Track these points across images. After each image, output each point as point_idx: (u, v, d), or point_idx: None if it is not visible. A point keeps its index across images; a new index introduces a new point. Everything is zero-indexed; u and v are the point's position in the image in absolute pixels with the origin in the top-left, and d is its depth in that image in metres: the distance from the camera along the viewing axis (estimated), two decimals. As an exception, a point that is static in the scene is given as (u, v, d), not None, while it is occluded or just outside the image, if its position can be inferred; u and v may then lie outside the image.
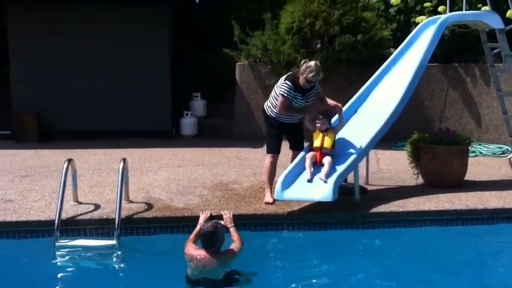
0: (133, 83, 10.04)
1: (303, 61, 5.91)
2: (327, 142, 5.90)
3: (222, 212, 5.30)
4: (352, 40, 9.16)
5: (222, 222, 4.87)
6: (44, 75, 9.95)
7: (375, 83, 6.81)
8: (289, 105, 5.91)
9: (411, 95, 6.54)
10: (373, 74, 6.93)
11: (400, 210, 5.87)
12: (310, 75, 5.76)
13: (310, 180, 5.76)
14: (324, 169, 5.77)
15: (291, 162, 6.13)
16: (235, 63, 10.26)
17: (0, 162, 8.13)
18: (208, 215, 5.12)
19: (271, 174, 6.09)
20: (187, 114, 10.45)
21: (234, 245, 4.65)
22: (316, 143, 5.94)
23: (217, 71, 10.81)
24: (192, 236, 4.78)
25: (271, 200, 5.92)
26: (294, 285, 4.74)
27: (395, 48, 7.24)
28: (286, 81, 5.90)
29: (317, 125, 5.94)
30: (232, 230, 4.90)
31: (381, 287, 4.77)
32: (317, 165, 5.87)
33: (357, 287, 4.75)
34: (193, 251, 4.55)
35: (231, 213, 5.23)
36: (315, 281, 4.83)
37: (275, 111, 6.00)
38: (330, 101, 6.12)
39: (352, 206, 5.97)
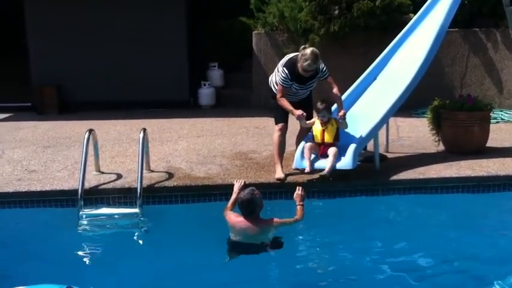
0: (151, 54, 10.03)
1: (301, 47, 5.60)
2: (328, 137, 5.70)
3: (297, 187, 5.00)
4: (371, 5, 9.02)
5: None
6: (63, 47, 9.96)
7: (394, 49, 6.72)
8: (286, 95, 5.66)
9: (431, 61, 6.46)
10: (392, 40, 6.83)
11: (421, 177, 5.85)
12: (305, 63, 5.45)
13: (309, 172, 5.59)
14: (329, 162, 5.56)
15: (299, 133, 6.05)
16: (252, 32, 10.18)
17: (22, 133, 8.25)
18: (242, 183, 5.08)
19: (280, 148, 5.85)
20: (204, 85, 10.43)
21: (286, 218, 4.72)
22: (317, 138, 5.74)
23: (234, 40, 10.74)
24: (229, 204, 4.88)
25: (282, 176, 5.73)
26: (314, 253, 4.81)
27: (415, 13, 7.11)
28: (284, 69, 5.61)
29: (318, 118, 5.74)
30: (298, 208, 4.83)
31: (401, 254, 4.79)
32: (320, 156, 5.72)
33: (376, 255, 4.77)
34: (234, 218, 4.68)
35: (303, 192, 4.94)
36: (334, 248, 4.86)
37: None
38: (336, 91, 5.75)
39: (372, 174, 5.96)
